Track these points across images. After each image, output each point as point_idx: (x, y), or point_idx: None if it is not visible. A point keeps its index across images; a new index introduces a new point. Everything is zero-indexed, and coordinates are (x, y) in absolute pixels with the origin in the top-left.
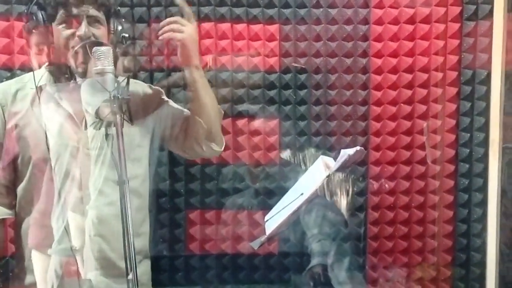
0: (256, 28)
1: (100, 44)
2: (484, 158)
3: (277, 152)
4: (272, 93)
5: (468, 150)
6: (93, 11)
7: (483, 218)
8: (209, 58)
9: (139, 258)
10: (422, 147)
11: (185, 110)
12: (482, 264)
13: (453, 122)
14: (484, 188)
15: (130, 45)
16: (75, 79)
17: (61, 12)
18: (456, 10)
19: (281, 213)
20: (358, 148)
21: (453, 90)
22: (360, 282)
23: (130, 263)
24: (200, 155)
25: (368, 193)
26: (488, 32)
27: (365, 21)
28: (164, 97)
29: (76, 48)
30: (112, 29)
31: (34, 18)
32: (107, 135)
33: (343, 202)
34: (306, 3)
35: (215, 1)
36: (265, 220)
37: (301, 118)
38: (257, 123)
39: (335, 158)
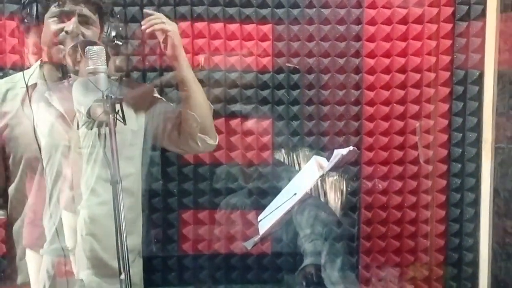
0: (249, 28)
1: (93, 43)
2: (476, 157)
3: (270, 152)
4: (265, 93)
5: (460, 150)
6: (86, 11)
7: (475, 217)
8: (201, 58)
9: (132, 257)
10: (414, 147)
11: (177, 106)
12: (474, 264)
13: (446, 122)
14: (476, 188)
15: (123, 44)
16: (67, 78)
17: (54, 6)
18: (448, 10)
19: (274, 213)
20: (351, 148)
21: (445, 90)
22: (352, 281)
23: (123, 263)
24: (195, 150)
25: (361, 193)
26: (480, 32)
27: (358, 21)
28: (156, 94)
29: (68, 48)
30: (105, 32)
31: (28, 13)
32: (99, 134)
33: (336, 202)
34: (299, 3)
35: (208, 0)
36: (258, 220)
37: (294, 118)
38: (250, 123)
39: (328, 158)
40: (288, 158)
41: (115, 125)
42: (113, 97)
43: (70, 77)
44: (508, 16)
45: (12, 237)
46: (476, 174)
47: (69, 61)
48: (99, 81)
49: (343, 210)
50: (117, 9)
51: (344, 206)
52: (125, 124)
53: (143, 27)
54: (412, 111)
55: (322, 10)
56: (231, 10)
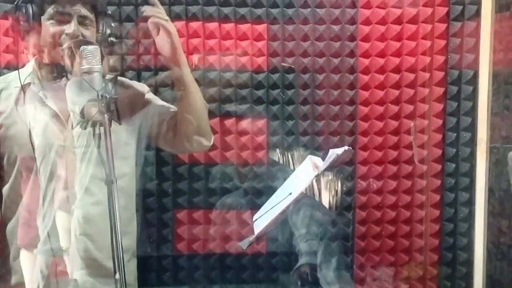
0: (244, 27)
1: (88, 43)
2: (470, 157)
3: (265, 152)
4: (260, 92)
5: (455, 150)
6: (84, 11)
7: (469, 217)
8: (196, 57)
9: (126, 257)
10: (409, 146)
11: (172, 106)
12: (469, 263)
13: (440, 121)
14: (470, 188)
15: (117, 44)
16: (62, 77)
17: (52, 8)
18: (443, 10)
19: (270, 213)
20: (346, 147)
21: (440, 90)
22: (347, 281)
23: (118, 263)
24: (190, 150)
25: (356, 192)
26: (474, 32)
27: (353, 21)
28: (151, 94)
29: (63, 47)
30: (101, 30)
31: (23, 13)
32: (94, 134)
33: (331, 202)
34: (294, 3)
35: (203, 0)
36: (254, 219)
37: (289, 117)
38: (245, 123)
39: (323, 158)
40: (283, 158)
41: (110, 125)
42: (108, 96)
43: (64, 76)
44: (502, 16)
45: (6, 237)
46: (470, 174)
47: (67, 62)
48: (94, 81)
49: (338, 210)
50: (112, 8)
51: (339, 206)
52: (120, 123)
53: (145, 13)
54: (406, 111)
55: (317, 10)
56: (226, 10)
